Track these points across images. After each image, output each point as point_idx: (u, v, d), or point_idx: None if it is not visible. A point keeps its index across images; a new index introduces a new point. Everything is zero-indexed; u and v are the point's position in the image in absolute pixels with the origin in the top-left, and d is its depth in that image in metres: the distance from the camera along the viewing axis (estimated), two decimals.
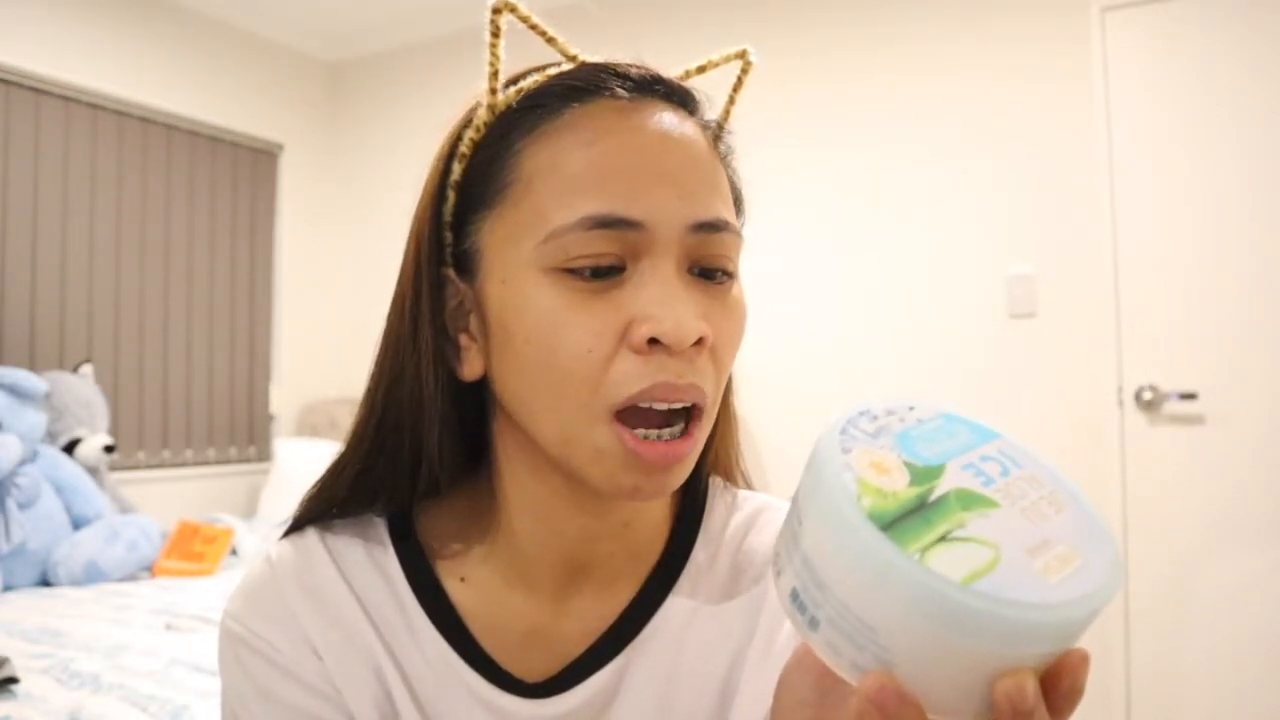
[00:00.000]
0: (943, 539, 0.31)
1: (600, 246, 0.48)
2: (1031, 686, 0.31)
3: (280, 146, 3.65)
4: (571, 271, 0.49)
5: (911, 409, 0.38)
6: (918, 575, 0.30)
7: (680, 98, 0.54)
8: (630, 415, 0.49)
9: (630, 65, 0.54)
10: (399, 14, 3.52)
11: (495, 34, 0.52)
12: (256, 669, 0.54)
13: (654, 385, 0.48)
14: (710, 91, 0.57)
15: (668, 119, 0.52)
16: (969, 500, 0.33)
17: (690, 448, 0.50)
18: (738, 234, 0.53)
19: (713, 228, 0.50)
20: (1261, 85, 2.33)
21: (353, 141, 3.83)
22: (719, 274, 0.52)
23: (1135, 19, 2.46)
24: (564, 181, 0.49)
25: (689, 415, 0.50)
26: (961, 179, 2.67)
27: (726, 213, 0.52)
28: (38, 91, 2.90)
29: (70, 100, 2.98)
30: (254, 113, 3.54)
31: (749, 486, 0.65)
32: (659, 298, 0.48)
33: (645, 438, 0.48)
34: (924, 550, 0.31)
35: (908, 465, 0.34)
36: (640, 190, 0.49)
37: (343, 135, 3.86)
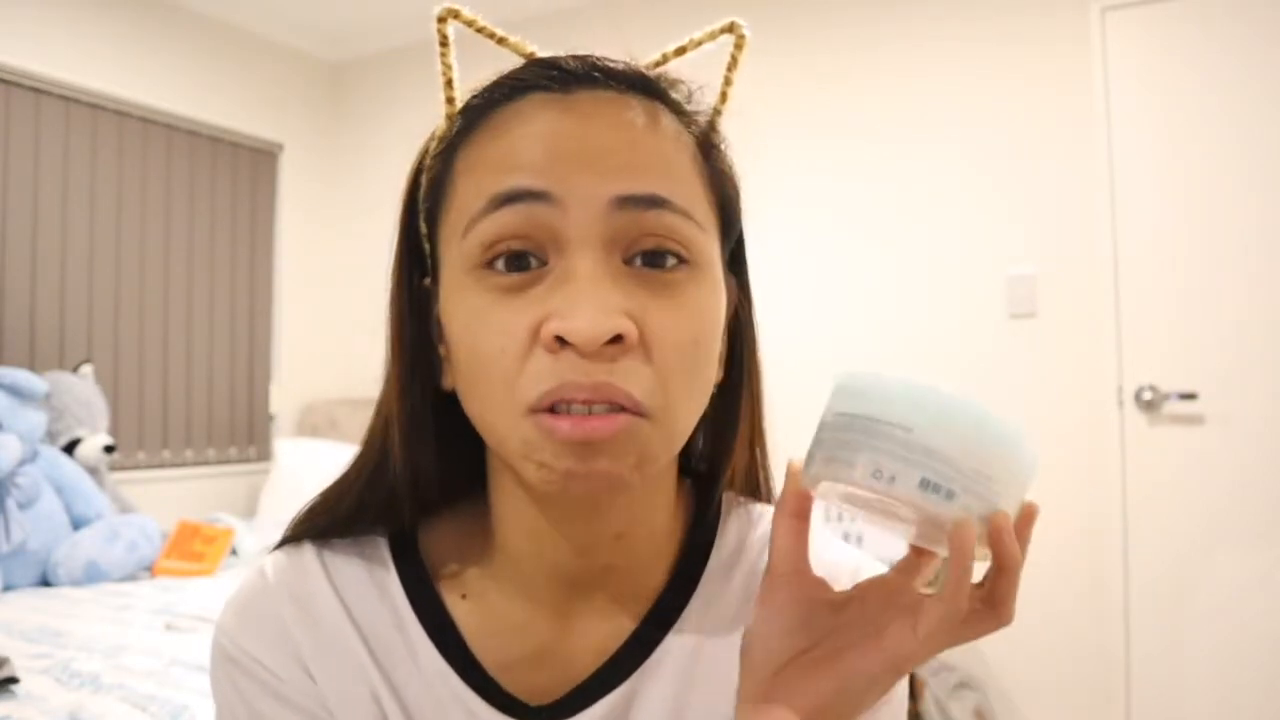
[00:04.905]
0: None
1: (509, 225, 0.46)
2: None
3: (280, 146, 3.65)
4: (490, 266, 0.47)
5: None
6: (1017, 429, 0.42)
7: (630, 82, 0.50)
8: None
9: (568, 56, 0.51)
10: (399, 14, 3.52)
11: (444, 43, 0.51)
12: (248, 690, 0.53)
13: (560, 385, 0.44)
14: (706, 81, 0.54)
15: (601, 103, 0.49)
16: None
17: (617, 428, 0.44)
18: (683, 215, 0.47)
19: (644, 203, 0.46)
20: (1261, 85, 2.33)
21: (353, 141, 3.83)
22: (667, 257, 0.47)
23: (1135, 19, 2.46)
24: (479, 173, 0.48)
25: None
26: (961, 179, 2.67)
27: (668, 189, 0.47)
28: (38, 91, 2.90)
29: (70, 100, 2.98)
30: (254, 113, 3.54)
31: (771, 501, 0.62)
32: (570, 291, 0.45)
33: (563, 412, 0.45)
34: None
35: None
36: (551, 162, 0.46)
37: (343, 135, 3.86)
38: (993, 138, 2.63)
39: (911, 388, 0.43)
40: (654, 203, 0.46)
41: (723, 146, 0.53)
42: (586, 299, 0.44)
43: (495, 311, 0.46)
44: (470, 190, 0.48)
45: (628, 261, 0.47)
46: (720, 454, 0.58)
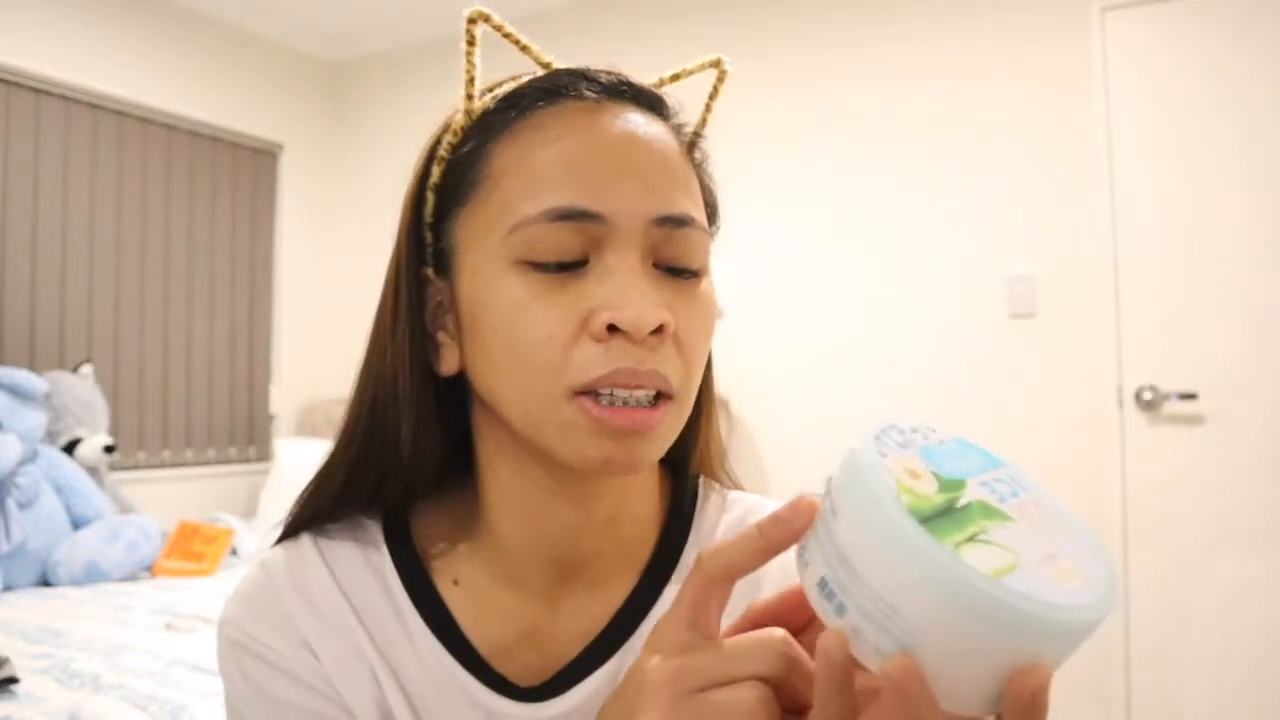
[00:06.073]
0: (971, 539, 0.34)
1: (563, 239, 0.50)
2: (1050, 681, 0.33)
3: (280, 146, 3.65)
4: (536, 265, 0.50)
5: (933, 430, 0.41)
6: (953, 566, 0.33)
7: (650, 101, 0.56)
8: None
9: (601, 70, 0.55)
10: (399, 14, 3.52)
11: (471, 43, 0.54)
12: (258, 673, 0.55)
13: (615, 371, 0.48)
14: (689, 100, 0.59)
15: (634, 119, 0.53)
16: (989, 512, 0.36)
17: (660, 419, 0.50)
18: (704, 231, 0.54)
19: (676, 222, 0.51)
20: (1262, 85, 2.33)
21: (353, 141, 3.83)
22: (684, 272, 0.53)
23: (1135, 19, 2.46)
24: (529, 176, 0.51)
25: (656, 400, 0.50)
26: (961, 179, 2.67)
27: (693, 210, 0.53)
28: (38, 91, 2.90)
29: (70, 100, 2.98)
30: (254, 113, 3.54)
31: (736, 486, 0.66)
32: (619, 287, 0.49)
33: (611, 403, 0.49)
34: (957, 545, 0.34)
35: (935, 475, 0.38)
36: (603, 184, 0.50)
37: (343, 135, 3.86)
38: (992, 137, 2.63)
39: (865, 470, 0.35)
40: (684, 222, 0.52)
41: (705, 163, 0.59)
42: (635, 292, 0.49)
43: (541, 302, 0.50)
44: (518, 191, 0.51)
45: (653, 265, 0.52)
46: (689, 437, 0.60)
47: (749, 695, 0.38)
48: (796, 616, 0.42)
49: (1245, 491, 2.30)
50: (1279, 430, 2.28)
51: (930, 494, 0.36)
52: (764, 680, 0.38)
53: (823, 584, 0.36)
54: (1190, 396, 2.35)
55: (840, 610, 0.35)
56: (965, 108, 2.66)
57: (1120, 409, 2.45)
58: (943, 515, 0.35)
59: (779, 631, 0.39)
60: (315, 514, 0.59)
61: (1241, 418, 2.32)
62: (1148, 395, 2.40)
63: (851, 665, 0.35)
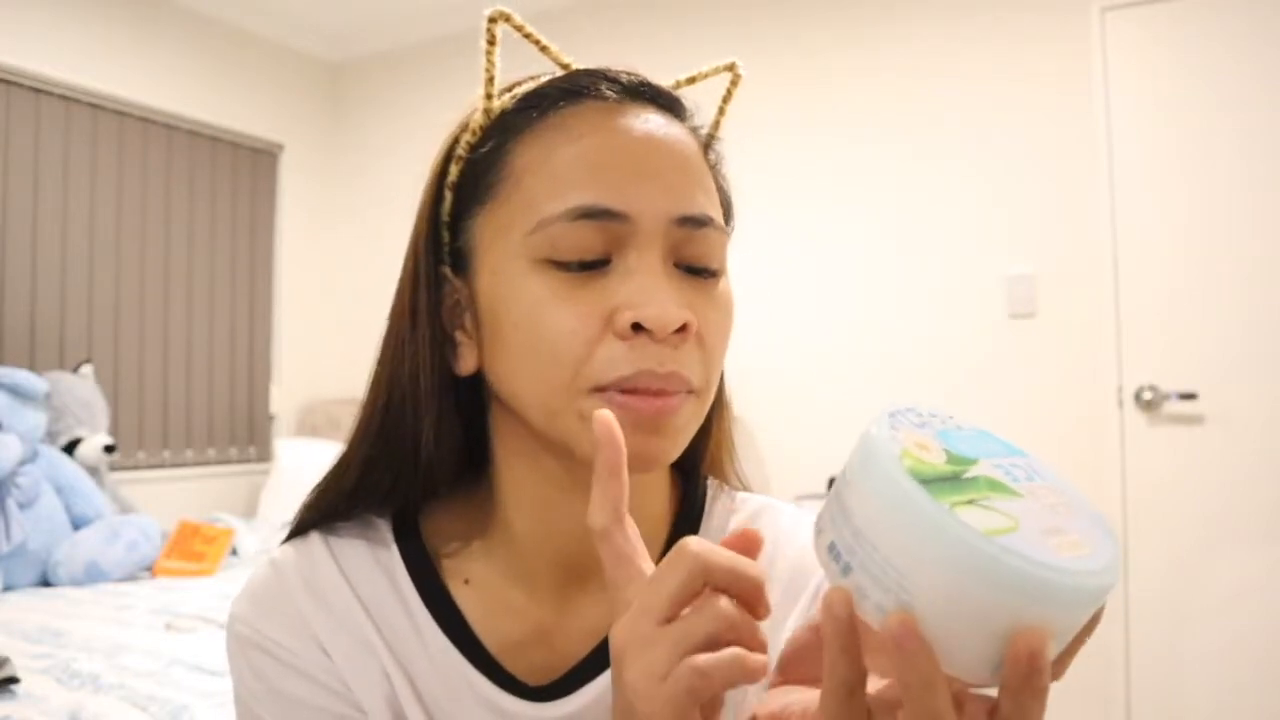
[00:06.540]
0: (970, 503, 0.35)
1: (586, 237, 0.50)
2: (1049, 646, 0.32)
3: (280, 146, 3.65)
4: (558, 263, 0.50)
5: (951, 417, 0.42)
6: (947, 521, 0.33)
7: (668, 103, 0.56)
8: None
9: (620, 71, 0.56)
10: (399, 14, 3.52)
11: (491, 42, 0.54)
12: (268, 670, 0.54)
13: (637, 374, 0.49)
14: (702, 101, 0.59)
15: (654, 120, 0.54)
16: (995, 486, 0.37)
17: (679, 407, 0.50)
18: (723, 231, 0.54)
19: (697, 222, 0.52)
20: (1261, 85, 2.33)
21: (353, 141, 3.83)
22: (704, 272, 0.53)
23: (1135, 19, 2.46)
24: (551, 175, 0.51)
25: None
26: (961, 179, 2.67)
27: (712, 210, 0.54)
28: (38, 91, 2.90)
29: (70, 100, 2.98)
30: (254, 113, 3.54)
31: (745, 488, 0.65)
32: (643, 286, 0.50)
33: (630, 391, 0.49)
34: (954, 505, 0.34)
35: (946, 451, 0.38)
36: (625, 183, 0.51)
37: (343, 135, 3.86)
38: (993, 137, 2.63)
39: (872, 438, 0.36)
40: (704, 222, 0.53)
41: (720, 164, 0.59)
42: (658, 291, 0.49)
43: (563, 300, 0.50)
44: (542, 189, 0.51)
45: (674, 264, 0.53)
46: (700, 438, 0.60)
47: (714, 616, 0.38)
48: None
49: (1245, 491, 2.30)
50: (1279, 430, 2.28)
51: (936, 463, 0.36)
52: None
53: (831, 547, 0.37)
54: (1190, 396, 2.35)
55: (846, 570, 0.36)
56: (965, 108, 2.66)
57: (1120, 409, 2.45)
58: (945, 481, 0.35)
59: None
60: (327, 512, 0.59)
61: (1241, 418, 2.32)
62: (1148, 395, 2.40)
63: (857, 625, 0.35)
